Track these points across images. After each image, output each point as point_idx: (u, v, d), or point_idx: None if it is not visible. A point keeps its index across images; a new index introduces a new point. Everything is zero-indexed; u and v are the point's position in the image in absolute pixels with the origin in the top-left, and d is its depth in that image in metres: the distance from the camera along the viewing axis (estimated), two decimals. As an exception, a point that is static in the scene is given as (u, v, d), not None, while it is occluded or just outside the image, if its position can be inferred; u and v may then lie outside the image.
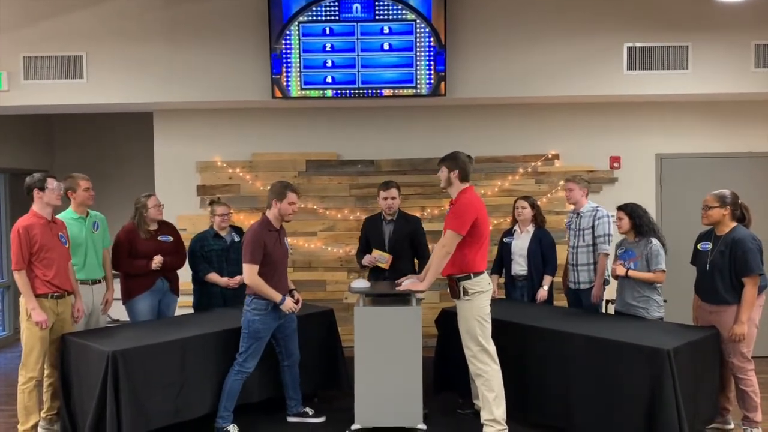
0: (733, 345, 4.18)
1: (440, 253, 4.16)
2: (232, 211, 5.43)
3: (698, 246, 4.42)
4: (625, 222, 4.63)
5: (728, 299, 4.18)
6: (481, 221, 4.16)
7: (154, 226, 5.05)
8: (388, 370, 4.20)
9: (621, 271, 4.57)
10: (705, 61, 5.88)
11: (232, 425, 4.31)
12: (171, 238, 5.11)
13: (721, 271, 4.19)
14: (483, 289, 4.17)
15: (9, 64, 5.95)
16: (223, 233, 5.25)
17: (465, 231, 4.08)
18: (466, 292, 4.13)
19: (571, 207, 5.27)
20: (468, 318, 4.14)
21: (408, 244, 5.15)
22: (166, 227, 5.16)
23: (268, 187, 4.43)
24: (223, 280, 5.12)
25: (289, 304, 4.24)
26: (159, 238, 5.03)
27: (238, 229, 5.42)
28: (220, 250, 5.19)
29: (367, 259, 5.13)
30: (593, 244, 4.99)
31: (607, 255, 4.94)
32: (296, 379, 4.59)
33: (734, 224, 4.24)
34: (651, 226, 4.59)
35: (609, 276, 4.98)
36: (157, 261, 4.90)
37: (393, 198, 5.11)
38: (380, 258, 5.07)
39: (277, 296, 4.21)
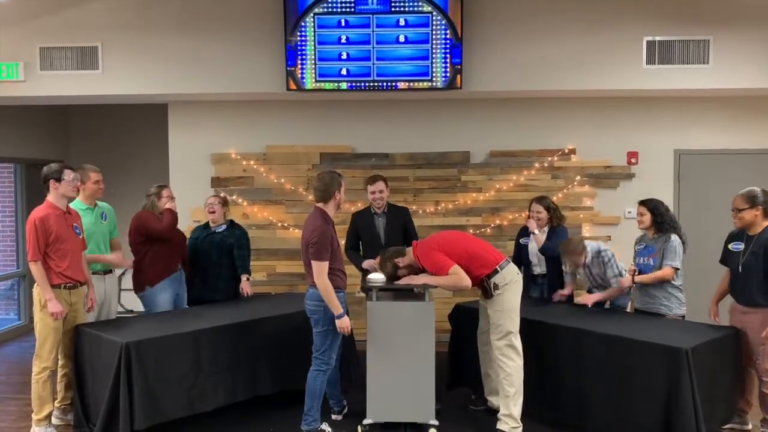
0: (763, 348, 4.02)
1: (454, 284, 4.10)
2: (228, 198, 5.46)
3: (729, 246, 4.24)
4: (647, 218, 4.56)
5: (760, 301, 4.03)
6: (446, 244, 4.15)
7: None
8: (400, 365, 4.18)
9: (627, 282, 4.55)
10: (726, 55, 5.78)
11: (323, 423, 4.19)
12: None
13: (755, 272, 4.03)
14: (512, 279, 4.14)
15: (25, 55, 5.97)
16: (213, 225, 5.20)
17: (448, 268, 4.05)
18: (496, 287, 4.10)
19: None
20: (498, 312, 4.11)
21: (401, 234, 5.10)
22: None
23: (319, 179, 4.26)
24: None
25: (346, 323, 4.00)
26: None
27: (235, 227, 5.30)
28: (209, 246, 5.15)
29: (368, 264, 4.91)
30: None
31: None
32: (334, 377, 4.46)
33: (767, 223, 4.06)
34: (672, 223, 4.52)
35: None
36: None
37: (381, 191, 5.05)
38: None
39: (339, 308, 3.97)
